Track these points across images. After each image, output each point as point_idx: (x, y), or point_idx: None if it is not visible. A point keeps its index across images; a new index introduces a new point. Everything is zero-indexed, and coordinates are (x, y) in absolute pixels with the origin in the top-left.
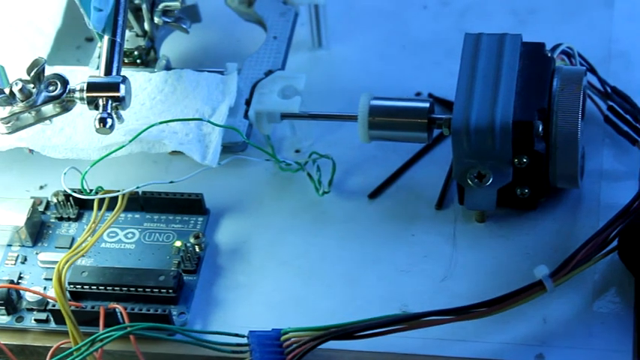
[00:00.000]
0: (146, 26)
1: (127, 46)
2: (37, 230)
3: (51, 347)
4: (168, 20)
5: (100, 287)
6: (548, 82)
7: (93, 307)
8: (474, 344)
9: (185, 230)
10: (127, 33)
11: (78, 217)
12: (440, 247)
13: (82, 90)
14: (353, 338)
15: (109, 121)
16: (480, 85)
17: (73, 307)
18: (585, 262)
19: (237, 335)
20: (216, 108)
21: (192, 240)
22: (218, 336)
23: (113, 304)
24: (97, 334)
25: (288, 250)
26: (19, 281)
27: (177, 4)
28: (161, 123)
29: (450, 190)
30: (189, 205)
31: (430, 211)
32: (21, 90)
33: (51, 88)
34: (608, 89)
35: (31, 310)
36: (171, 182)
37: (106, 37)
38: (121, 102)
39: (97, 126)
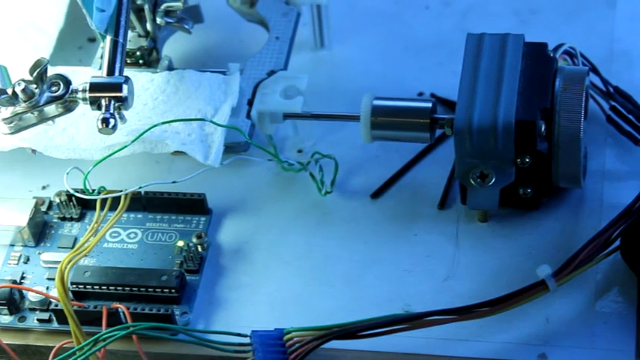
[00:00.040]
0: (148, 27)
1: (129, 46)
2: (40, 230)
3: (53, 347)
4: (171, 21)
5: (103, 287)
6: (551, 82)
7: (95, 307)
8: (476, 344)
9: (187, 230)
10: (130, 33)
11: (80, 217)
12: (442, 247)
13: (84, 90)
14: (355, 338)
15: (112, 121)
16: (483, 85)
17: (75, 307)
18: (588, 261)
19: (239, 335)
20: (218, 108)
21: (194, 240)
22: (221, 336)
23: (116, 304)
24: (99, 334)
25: (290, 249)
26: (22, 281)
27: (180, 4)
28: (164, 123)
29: (453, 190)
30: (191, 205)
31: (433, 211)
32: (23, 90)
33: (53, 88)
34: (611, 89)
35: (33, 309)
36: (173, 182)
37: (108, 38)
38: (123, 102)
39: (100, 126)
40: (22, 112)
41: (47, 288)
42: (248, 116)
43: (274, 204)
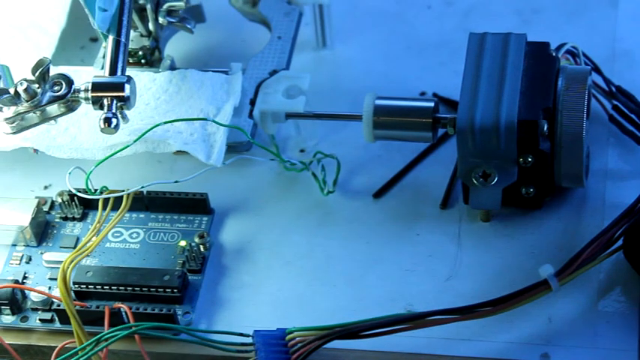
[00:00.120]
0: (150, 26)
1: (131, 46)
2: (42, 230)
3: (56, 347)
4: (173, 20)
5: (105, 287)
6: (553, 82)
7: (98, 307)
8: (479, 343)
9: (190, 230)
10: (132, 33)
11: (82, 217)
12: (445, 247)
13: (86, 90)
14: (358, 338)
15: (114, 120)
16: (485, 84)
17: (77, 307)
18: (590, 261)
19: (242, 335)
20: (220, 108)
21: (196, 240)
22: (223, 335)
23: (118, 304)
24: (101, 334)
25: (292, 249)
26: (24, 281)
27: (182, 4)
28: (166, 123)
29: (455, 190)
30: (193, 204)
31: (435, 211)
32: (26, 90)
33: (56, 88)
34: (613, 88)
35: (35, 309)
36: (175, 182)
37: (110, 37)
38: (125, 102)
39: (102, 126)
40: (25, 112)
41: (49, 288)
42: (250, 116)
43: (276, 204)
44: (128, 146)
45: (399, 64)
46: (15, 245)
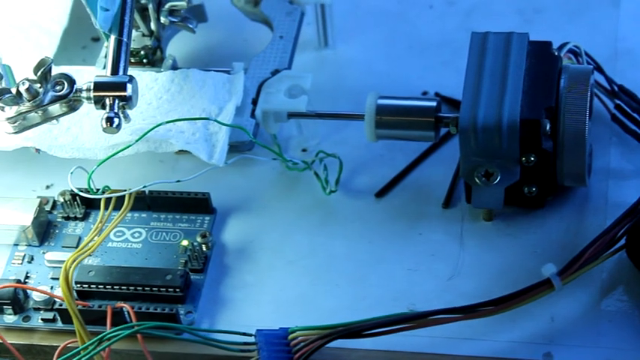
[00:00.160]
0: (152, 26)
1: (133, 45)
2: (44, 230)
3: (58, 346)
4: (175, 20)
5: (107, 286)
6: (556, 81)
7: (100, 307)
8: (481, 343)
9: (192, 229)
10: (134, 33)
11: (84, 217)
12: (447, 246)
13: (88, 89)
14: (360, 337)
15: (116, 120)
16: (487, 83)
17: (80, 307)
18: (593, 260)
19: (244, 334)
20: (222, 107)
21: (199, 239)
22: (225, 335)
23: (120, 304)
24: (104, 334)
25: (295, 249)
26: (26, 281)
27: (184, 3)
28: (168, 122)
29: (457, 189)
30: (195, 204)
31: (437, 210)
32: (28, 89)
33: (58, 87)
34: (615, 88)
35: (38, 309)
36: (177, 181)
37: (112, 37)
38: (127, 101)
39: (104, 125)
40: (26, 112)
41: (51, 287)
42: (252, 115)
43: (279, 203)
44: (130, 146)
45: (401, 63)
46: (17, 245)
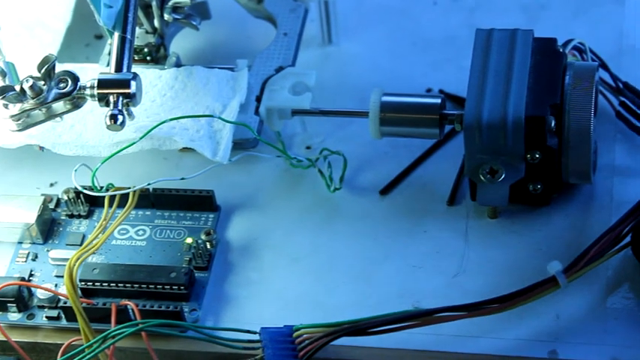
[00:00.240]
0: (156, 23)
1: (136, 43)
2: (48, 227)
3: (62, 344)
4: (178, 17)
5: (112, 284)
6: (561, 78)
7: (104, 304)
8: (486, 340)
9: (196, 227)
10: (137, 30)
11: (89, 215)
12: (452, 243)
13: (92, 87)
14: (365, 334)
15: (120, 117)
16: (492, 80)
17: (84, 304)
18: (598, 258)
19: (249, 332)
20: (226, 104)
21: (203, 237)
22: (230, 332)
23: (124, 301)
24: (108, 331)
25: (299, 246)
26: (30, 278)
27: (187, 0)
28: (172, 120)
29: (462, 186)
30: (200, 201)
31: (442, 207)
32: (31, 87)
33: (61, 85)
34: (620, 85)
35: (42, 307)
36: (182, 179)
37: (116, 34)
38: (131, 99)
39: (108, 123)
40: (30, 109)
41: (56, 285)
42: (256, 113)
43: (283, 201)
44: (134, 143)
45: (405, 60)
46: (21, 243)
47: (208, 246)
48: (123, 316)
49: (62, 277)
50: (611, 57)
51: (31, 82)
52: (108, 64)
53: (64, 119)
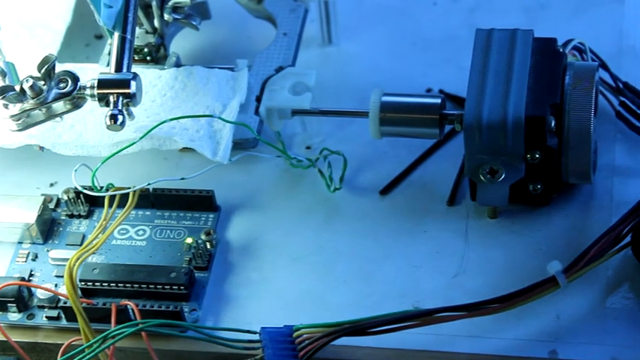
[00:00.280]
0: (156, 23)
1: (136, 43)
2: (48, 227)
3: (62, 344)
4: (178, 17)
5: (112, 284)
6: (561, 78)
7: (104, 304)
8: (486, 340)
9: (196, 227)
10: (137, 30)
11: (88, 215)
12: (452, 243)
13: (92, 87)
14: (365, 334)
15: (120, 117)
16: (492, 80)
17: (84, 304)
18: (598, 258)
19: (249, 332)
20: (226, 104)
21: (203, 237)
22: (230, 332)
23: (124, 301)
24: (108, 331)
25: (299, 246)
26: (30, 278)
27: (187, 0)
28: (172, 120)
29: (462, 186)
30: (200, 201)
31: (442, 207)
32: (31, 87)
33: (61, 85)
34: (620, 85)
35: (42, 307)
36: (182, 179)
37: (116, 34)
38: (131, 99)
39: (108, 123)
40: (30, 109)
41: (56, 285)
42: (256, 113)
43: (283, 200)
44: (134, 143)
45: (405, 60)
46: (21, 243)
47: (208, 246)
48: (123, 316)
49: (62, 277)
50: (611, 57)
51: (31, 82)
52: (108, 64)
53: (64, 119)
